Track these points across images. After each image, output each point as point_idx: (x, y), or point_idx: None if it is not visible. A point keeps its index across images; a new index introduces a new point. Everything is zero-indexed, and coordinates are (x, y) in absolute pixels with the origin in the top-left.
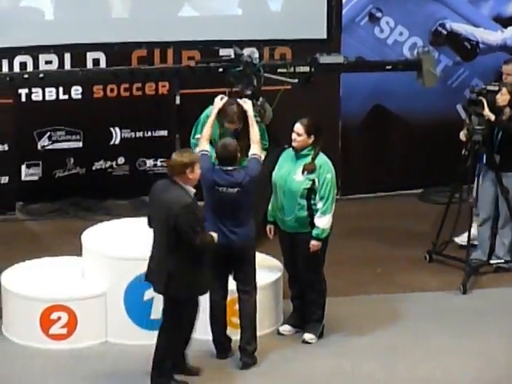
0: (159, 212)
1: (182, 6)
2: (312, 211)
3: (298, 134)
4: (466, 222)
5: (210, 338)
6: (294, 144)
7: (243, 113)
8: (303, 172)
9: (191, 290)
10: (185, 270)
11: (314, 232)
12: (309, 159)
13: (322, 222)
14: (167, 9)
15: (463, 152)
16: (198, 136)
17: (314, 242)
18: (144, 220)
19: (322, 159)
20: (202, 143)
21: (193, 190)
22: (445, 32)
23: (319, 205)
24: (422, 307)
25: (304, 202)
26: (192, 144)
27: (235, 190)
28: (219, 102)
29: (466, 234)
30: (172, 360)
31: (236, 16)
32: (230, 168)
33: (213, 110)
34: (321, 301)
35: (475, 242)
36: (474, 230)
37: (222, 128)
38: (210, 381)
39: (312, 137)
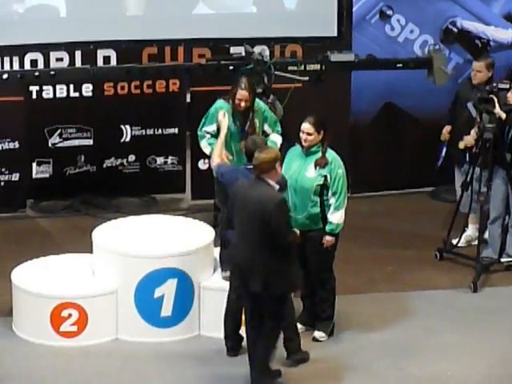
0: (249, 211)
1: (194, 4)
2: (324, 207)
3: (309, 134)
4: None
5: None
6: (304, 144)
7: (253, 84)
8: (315, 167)
9: (288, 286)
10: (280, 267)
11: (328, 228)
12: (319, 155)
13: (336, 217)
14: (179, 7)
15: (473, 150)
16: (206, 129)
17: (328, 238)
18: (154, 217)
19: (332, 155)
20: (214, 160)
21: (277, 187)
22: (456, 30)
23: (332, 200)
24: (433, 305)
25: (317, 199)
26: (199, 136)
27: None
28: (223, 118)
29: (463, 236)
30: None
31: (247, 14)
32: None
33: (222, 131)
34: (331, 298)
35: (474, 243)
36: (470, 231)
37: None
38: (226, 379)
39: (321, 133)
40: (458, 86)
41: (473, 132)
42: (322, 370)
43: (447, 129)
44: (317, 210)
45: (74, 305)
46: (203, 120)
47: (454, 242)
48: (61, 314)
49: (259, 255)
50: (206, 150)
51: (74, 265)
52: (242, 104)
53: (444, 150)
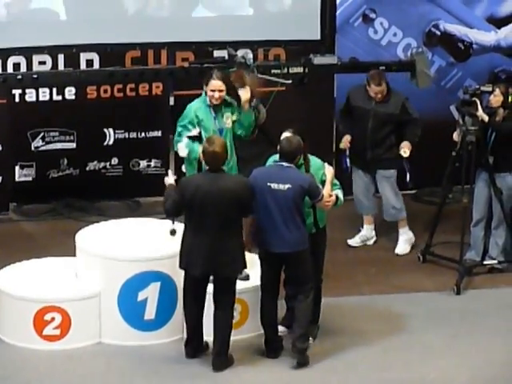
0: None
1: (178, 8)
2: (315, 212)
3: None
4: (459, 222)
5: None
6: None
7: (225, 75)
8: None
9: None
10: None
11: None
12: (303, 170)
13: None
14: (163, 11)
15: (454, 153)
16: (187, 135)
17: (333, 197)
18: (137, 220)
19: (313, 163)
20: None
21: None
22: (438, 33)
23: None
24: (416, 308)
25: (310, 210)
26: (175, 141)
27: (286, 186)
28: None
29: (358, 236)
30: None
31: (230, 17)
32: (286, 165)
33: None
34: (318, 301)
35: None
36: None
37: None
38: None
39: (303, 144)
40: (440, 88)
41: (455, 135)
42: (306, 372)
43: (348, 138)
44: (311, 219)
45: (57, 308)
46: (179, 127)
47: (350, 241)
48: (44, 318)
49: (229, 238)
50: (183, 152)
51: (57, 268)
52: (216, 95)
53: (347, 160)
